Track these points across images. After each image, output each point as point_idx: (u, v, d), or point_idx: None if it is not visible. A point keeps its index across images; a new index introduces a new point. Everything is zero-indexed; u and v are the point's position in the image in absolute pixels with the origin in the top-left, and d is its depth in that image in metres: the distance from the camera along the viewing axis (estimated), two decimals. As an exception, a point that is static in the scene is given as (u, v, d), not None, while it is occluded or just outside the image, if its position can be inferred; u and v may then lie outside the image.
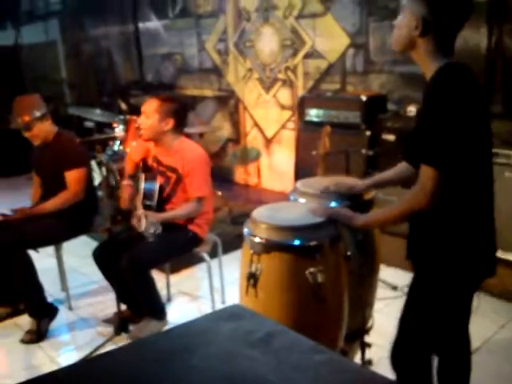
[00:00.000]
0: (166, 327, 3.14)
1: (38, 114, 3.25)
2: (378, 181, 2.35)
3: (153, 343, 1.31)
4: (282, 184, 5.64)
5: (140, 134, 3.15)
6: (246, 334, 1.28)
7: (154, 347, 1.28)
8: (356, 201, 2.34)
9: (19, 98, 3.36)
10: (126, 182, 3.26)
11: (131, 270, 2.94)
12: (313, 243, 2.04)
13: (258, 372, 1.15)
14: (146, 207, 3.02)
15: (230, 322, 1.33)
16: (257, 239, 2.07)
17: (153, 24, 6.97)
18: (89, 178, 3.45)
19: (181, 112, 3.15)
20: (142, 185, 3.11)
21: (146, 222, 2.79)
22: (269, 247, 2.04)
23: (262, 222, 2.10)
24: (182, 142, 3.16)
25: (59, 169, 3.28)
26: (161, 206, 3.13)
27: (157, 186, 3.12)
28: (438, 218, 1.75)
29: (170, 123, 3.07)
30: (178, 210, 3.10)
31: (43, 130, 3.30)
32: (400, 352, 1.98)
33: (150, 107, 3.08)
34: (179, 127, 3.15)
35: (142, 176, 3.15)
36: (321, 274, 2.02)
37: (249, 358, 1.19)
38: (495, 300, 3.26)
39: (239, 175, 6.30)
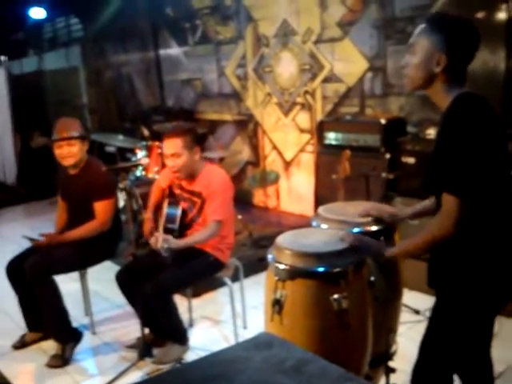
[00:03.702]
0: (189, 352, 3.17)
1: (76, 134, 3.31)
2: (419, 209, 2.26)
3: (188, 371, 1.33)
4: (300, 207, 5.67)
5: (176, 176, 3.18)
6: (278, 363, 1.31)
7: (191, 375, 1.30)
8: (381, 226, 2.35)
9: (63, 118, 3.44)
10: (148, 216, 3.31)
11: (154, 295, 2.97)
12: (337, 270, 2.05)
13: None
14: (168, 230, 3.07)
15: (261, 351, 1.36)
16: (281, 266, 2.09)
17: (173, 51, 7.12)
18: (116, 207, 3.50)
19: (198, 135, 3.20)
20: (165, 210, 3.16)
21: (161, 241, 2.86)
22: (293, 274, 2.06)
23: (287, 248, 2.13)
24: (208, 168, 3.22)
25: (88, 199, 3.33)
26: (183, 231, 3.16)
27: (179, 212, 3.17)
28: (459, 244, 1.77)
29: (198, 151, 3.13)
30: (196, 235, 3.12)
31: (81, 150, 3.35)
32: (421, 375, 1.99)
33: (177, 147, 3.07)
34: (202, 151, 3.20)
35: (166, 201, 3.20)
36: (345, 300, 2.03)
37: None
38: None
39: (258, 198, 6.34)
